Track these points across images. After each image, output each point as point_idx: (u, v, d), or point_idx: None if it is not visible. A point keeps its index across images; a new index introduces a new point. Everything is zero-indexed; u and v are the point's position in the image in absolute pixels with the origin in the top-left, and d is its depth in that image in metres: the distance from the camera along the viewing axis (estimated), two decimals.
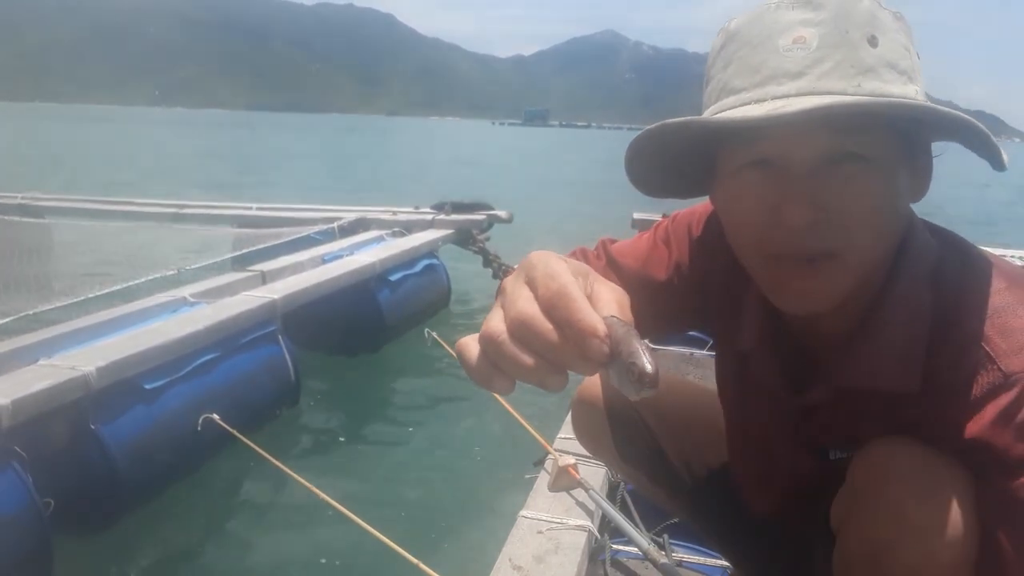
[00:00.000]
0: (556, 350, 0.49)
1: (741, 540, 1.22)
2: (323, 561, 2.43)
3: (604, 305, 0.50)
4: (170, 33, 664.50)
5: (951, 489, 0.75)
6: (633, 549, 1.65)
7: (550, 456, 1.98)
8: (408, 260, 4.90)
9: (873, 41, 0.72)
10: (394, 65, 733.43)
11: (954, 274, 0.81)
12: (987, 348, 0.75)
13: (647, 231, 1.09)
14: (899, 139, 0.76)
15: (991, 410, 0.74)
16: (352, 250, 4.75)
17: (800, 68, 0.72)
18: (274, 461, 2.50)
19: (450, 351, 3.50)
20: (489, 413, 3.35)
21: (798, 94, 0.71)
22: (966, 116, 0.71)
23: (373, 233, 5.42)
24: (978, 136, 0.72)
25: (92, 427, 2.38)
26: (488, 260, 6.09)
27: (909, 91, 0.74)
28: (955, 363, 0.76)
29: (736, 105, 0.75)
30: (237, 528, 2.69)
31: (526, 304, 0.51)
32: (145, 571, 2.43)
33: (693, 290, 1.03)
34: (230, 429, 2.73)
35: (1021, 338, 0.74)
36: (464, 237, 5.91)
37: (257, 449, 2.58)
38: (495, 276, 6.14)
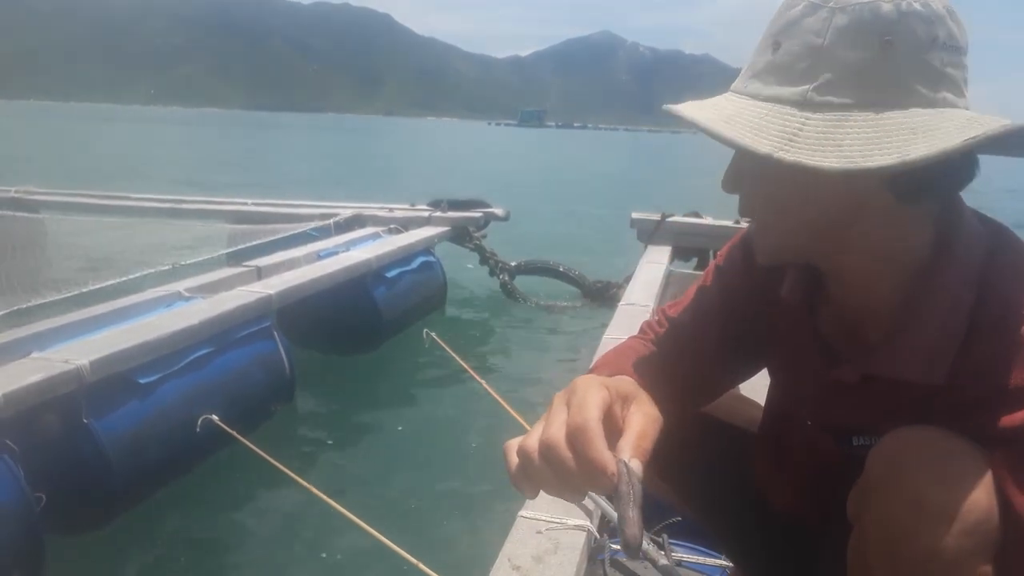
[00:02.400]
0: (571, 476, 0.62)
1: (750, 534, 1.20)
2: (322, 561, 2.41)
3: (625, 442, 0.63)
4: (166, 32, 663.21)
5: (970, 475, 0.74)
6: None
7: None
8: (404, 257, 4.88)
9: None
10: (391, 65, 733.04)
11: (1004, 271, 0.79)
12: None
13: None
14: None
15: None
16: (348, 246, 4.74)
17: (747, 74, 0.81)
18: (273, 462, 2.47)
19: (449, 351, 3.47)
20: (489, 413, 3.32)
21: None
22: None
23: (369, 230, 5.40)
24: None
25: (85, 421, 2.36)
26: (485, 257, 6.09)
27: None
28: (998, 355, 0.76)
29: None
30: (234, 528, 2.66)
31: (556, 430, 0.63)
32: (140, 570, 2.41)
33: (741, 303, 1.03)
34: (229, 430, 2.70)
35: None
36: (461, 234, 5.90)
37: (255, 449, 2.55)
38: (492, 273, 6.14)
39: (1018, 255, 0.81)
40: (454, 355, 3.43)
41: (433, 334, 3.43)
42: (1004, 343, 0.75)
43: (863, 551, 0.83)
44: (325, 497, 2.23)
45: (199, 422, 2.69)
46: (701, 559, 1.69)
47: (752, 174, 0.81)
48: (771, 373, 1.07)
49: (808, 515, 1.00)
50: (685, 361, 1.03)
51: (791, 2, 0.76)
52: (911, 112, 0.73)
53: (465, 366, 3.33)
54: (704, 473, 1.18)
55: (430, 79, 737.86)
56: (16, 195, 6.26)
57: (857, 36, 0.72)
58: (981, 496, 0.73)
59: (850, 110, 0.73)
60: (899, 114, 0.73)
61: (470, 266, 6.29)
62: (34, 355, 2.43)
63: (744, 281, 1.02)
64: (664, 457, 1.20)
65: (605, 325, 3.28)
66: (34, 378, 2.21)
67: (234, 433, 2.69)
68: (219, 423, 2.72)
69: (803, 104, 0.74)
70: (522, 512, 1.83)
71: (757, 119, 0.75)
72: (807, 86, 0.74)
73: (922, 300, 0.80)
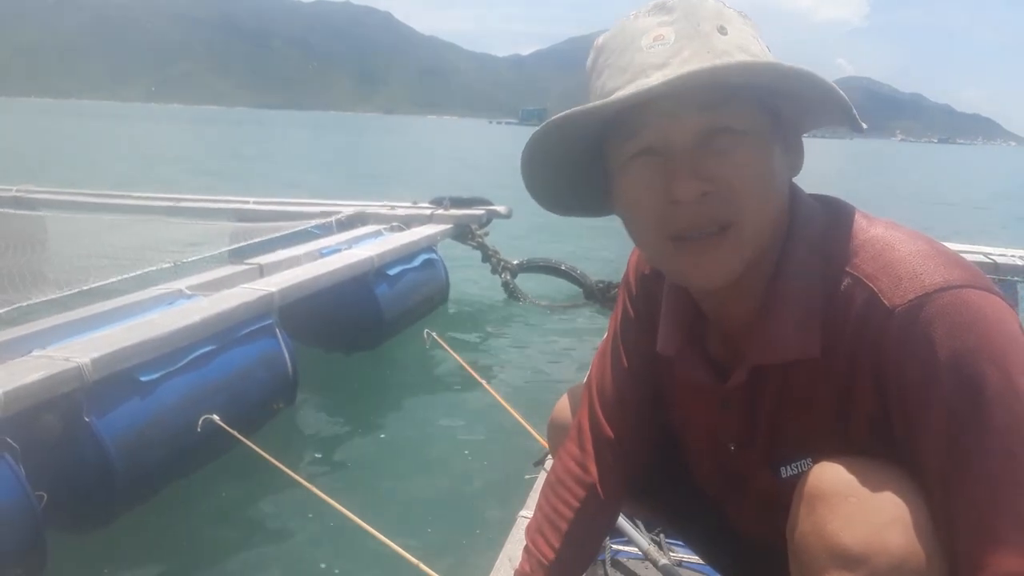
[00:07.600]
0: None
1: (726, 554, 1.22)
2: (322, 562, 2.40)
3: None
4: (167, 30, 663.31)
5: (886, 518, 0.76)
6: (633, 549, 1.66)
7: (550, 456, 1.97)
8: (406, 254, 4.87)
9: (723, 30, 0.79)
10: (392, 63, 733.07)
11: (841, 235, 0.85)
12: (872, 286, 0.79)
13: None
14: (766, 115, 0.81)
15: (884, 342, 0.78)
16: (350, 244, 4.72)
17: (663, 60, 0.77)
18: (274, 461, 2.46)
19: (450, 351, 3.45)
20: (489, 413, 3.31)
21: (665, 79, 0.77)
22: (811, 72, 0.76)
23: (371, 228, 5.39)
24: (838, 103, 0.79)
25: (86, 419, 2.35)
26: (487, 255, 6.07)
27: None
28: (848, 312, 0.81)
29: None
30: (235, 527, 2.64)
31: None
32: (142, 568, 2.39)
33: (643, 360, 1.09)
34: (230, 430, 2.68)
35: (898, 269, 0.79)
36: (463, 232, 5.89)
37: (257, 449, 2.54)
38: (494, 271, 6.12)
39: (850, 217, 0.87)
40: (455, 355, 3.42)
41: (434, 334, 3.42)
42: (855, 291, 0.80)
43: None
44: (326, 497, 2.22)
45: (200, 422, 2.67)
46: (701, 559, 1.70)
47: (739, 146, 0.79)
48: (676, 413, 1.09)
49: (768, 536, 1.00)
50: (627, 435, 1.11)
51: (697, 2, 0.80)
52: None
53: (465, 366, 3.32)
54: (670, 500, 1.21)
55: (431, 77, 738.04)
56: (17, 194, 6.25)
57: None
58: (895, 539, 0.75)
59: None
60: None
61: (474, 267, 6.27)
62: (35, 353, 2.42)
63: (641, 338, 1.08)
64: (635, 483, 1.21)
65: (606, 327, 3.27)
66: (35, 376, 2.20)
67: (235, 434, 2.68)
68: (220, 423, 2.70)
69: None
70: (522, 512, 1.83)
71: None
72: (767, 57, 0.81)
73: (779, 280, 0.85)
